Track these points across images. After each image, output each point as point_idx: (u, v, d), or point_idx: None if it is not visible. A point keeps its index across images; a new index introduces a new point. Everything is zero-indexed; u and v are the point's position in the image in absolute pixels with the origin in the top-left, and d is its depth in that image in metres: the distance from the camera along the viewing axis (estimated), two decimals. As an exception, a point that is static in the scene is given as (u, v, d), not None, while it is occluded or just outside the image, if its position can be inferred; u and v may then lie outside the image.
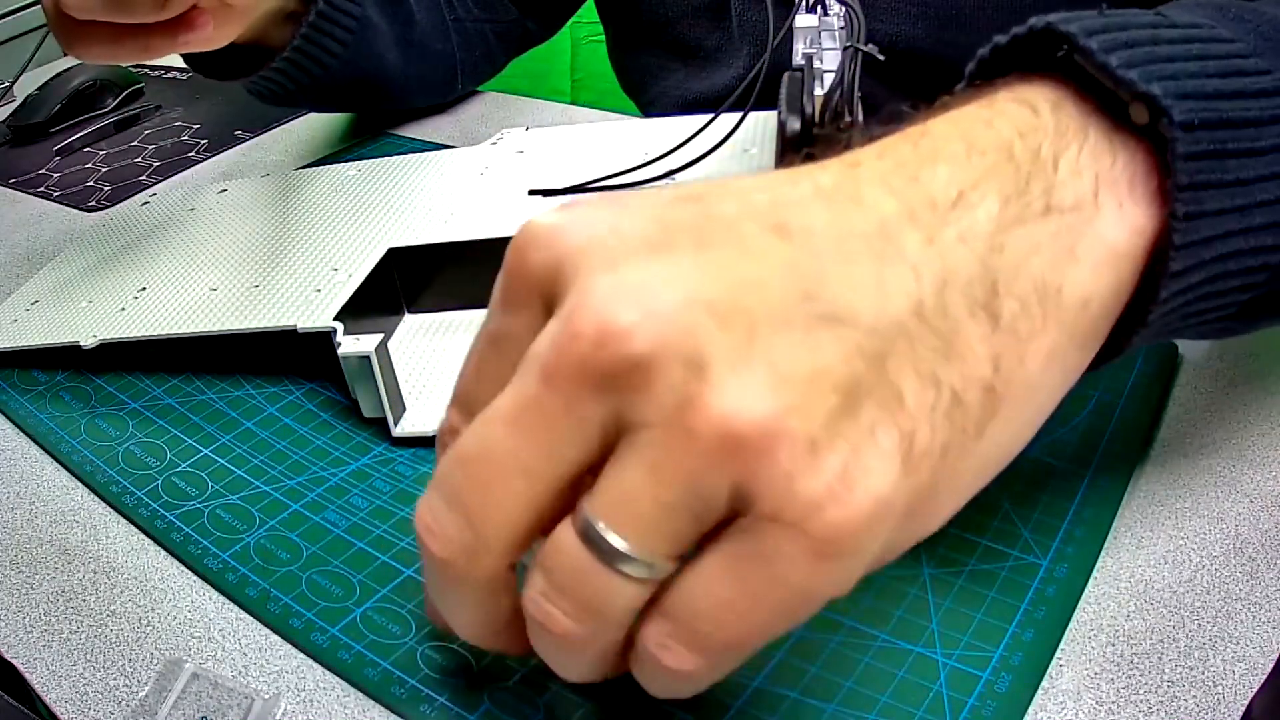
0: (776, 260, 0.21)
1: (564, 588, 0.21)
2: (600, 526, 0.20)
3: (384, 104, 0.68)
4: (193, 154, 0.70)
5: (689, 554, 0.21)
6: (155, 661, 0.31)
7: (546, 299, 0.22)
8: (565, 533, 0.21)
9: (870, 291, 0.21)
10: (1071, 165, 0.24)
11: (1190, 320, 0.27)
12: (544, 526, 0.22)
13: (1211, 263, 0.25)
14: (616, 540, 0.20)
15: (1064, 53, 0.26)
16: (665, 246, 0.21)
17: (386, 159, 0.56)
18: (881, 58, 0.34)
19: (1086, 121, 0.25)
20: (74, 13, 0.43)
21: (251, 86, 0.59)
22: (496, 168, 0.52)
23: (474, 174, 0.51)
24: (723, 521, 0.21)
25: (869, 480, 0.20)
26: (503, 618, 0.24)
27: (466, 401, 0.25)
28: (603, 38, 0.77)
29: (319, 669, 0.30)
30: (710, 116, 0.45)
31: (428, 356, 0.43)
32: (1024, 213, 0.23)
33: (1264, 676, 0.27)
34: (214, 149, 0.71)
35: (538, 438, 0.21)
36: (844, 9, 0.38)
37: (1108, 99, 0.25)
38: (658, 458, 0.20)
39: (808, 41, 0.39)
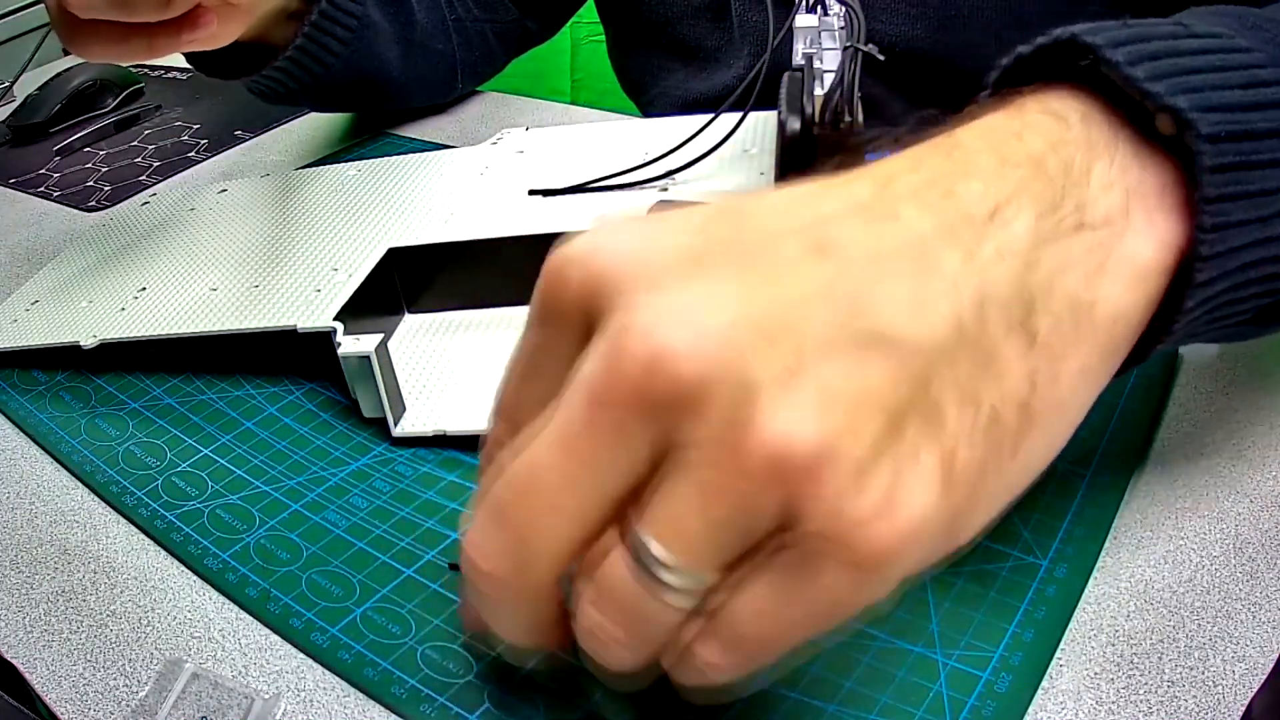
0: (819, 279, 0.21)
1: (613, 600, 0.22)
2: (651, 544, 0.21)
3: (384, 103, 0.68)
4: (193, 154, 0.70)
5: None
6: (155, 661, 0.31)
7: (587, 317, 0.22)
8: (615, 548, 0.22)
9: (912, 310, 0.21)
10: (1103, 179, 0.24)
11: (1211, 326, 0.27)
12: (591, 540, 0.22)
13: (1235, 272, 0.25)
14: (666, 556, 0.21)
15: (1088, 63, 0.25)
16: (706, 264, 0.21)
17: (386, 159, 0.56)
18: (881, 58, 0.34)
19: (1116, 134, 0.25)
20: (77, 11, 0.43)
21: (253, 85, 0.59)
22: (496, 168, 0.52)
23: (474, 174, 0.51)
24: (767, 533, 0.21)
25: (912, 500, 0.20)
26: (547, 621, 0.25)
27: (511, 415, 0.25)
28: (603, 38, 0.77)
29: (319, 669, 0.30)
30: (710, 116, 0.45)
31: (428, 356, 0.43)
32: (1058, 228, 0.23)
33: (1264, 676, 0.27)
34: (214, 149, 0.71)
35: (587, 461, 0.21)
36: (844, 9, 0.38)
37: (1133, 110, 0.25)
38: (708, 478, 0.20)
39: (808, 41, 0.39)
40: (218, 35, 0.48)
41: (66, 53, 1.02)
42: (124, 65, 0.84)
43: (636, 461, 0.21)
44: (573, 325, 0.23)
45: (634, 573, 0.21)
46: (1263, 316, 0.28)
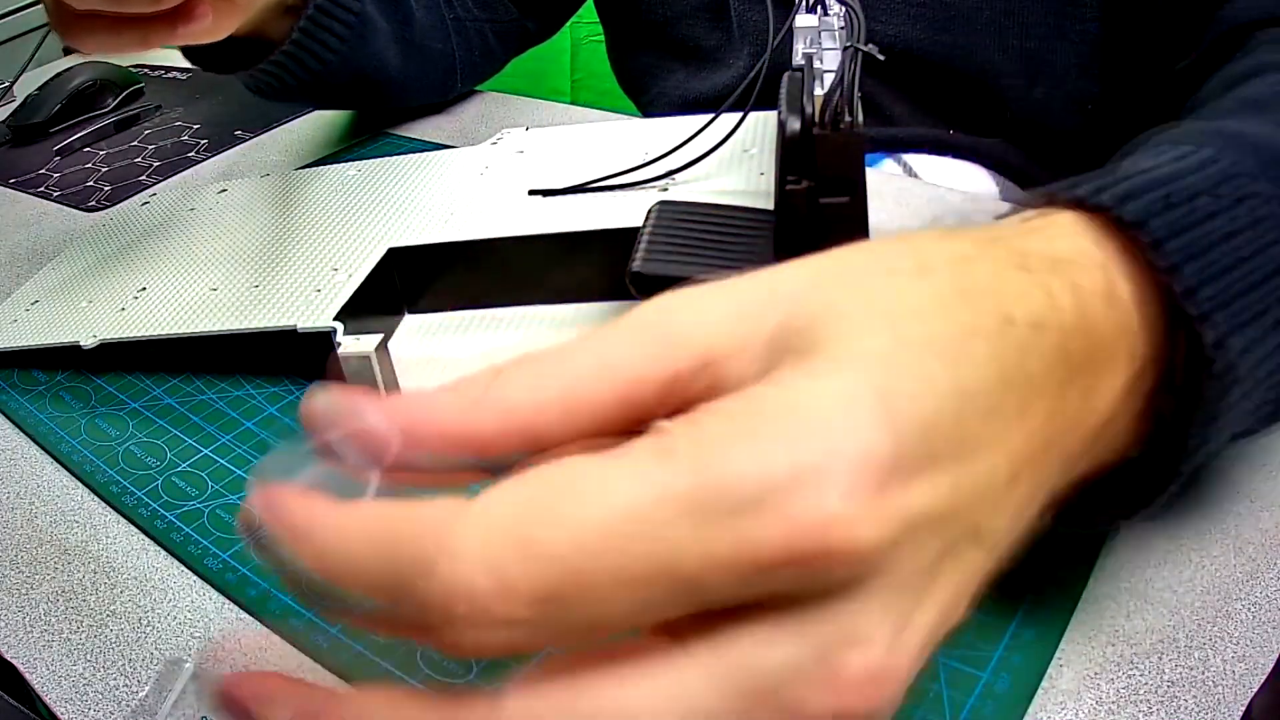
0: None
1: None
2: None
3: (383, 102, 0.68)
4: (193, 154, 0.70)
5: None
6: (155, 661, 0.31)
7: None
8: None
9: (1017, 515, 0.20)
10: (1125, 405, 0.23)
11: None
12: None
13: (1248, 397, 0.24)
14: None
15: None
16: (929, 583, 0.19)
17: (386, 159, 0.56)
18: (882, 58, 0.34)
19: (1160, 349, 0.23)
20: (72, 3, 0.43)
21: (250, 81, 0.59)
22: (496, 168, 0.52)
23: (474, 174, 0.51)
24: None
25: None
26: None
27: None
28: (603, 38, 0.77)
29: (319, 669, 0.30)
30: (710, 116, 0.45)
31: (428, 356, 0.43)
32: (1081, 419, 0.22)
33: (1264, 676, 0.27)
34: (214, 149, 0.71)
35: None
36: (844, 9, 0.38)
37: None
38: None
39: (808, 41, 0.39)
40: (213, 29, 0.48)
41: (67, 52, 1.02)
42: (123, 65, 0.84)
43: None
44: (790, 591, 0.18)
45: None
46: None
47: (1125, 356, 0.22)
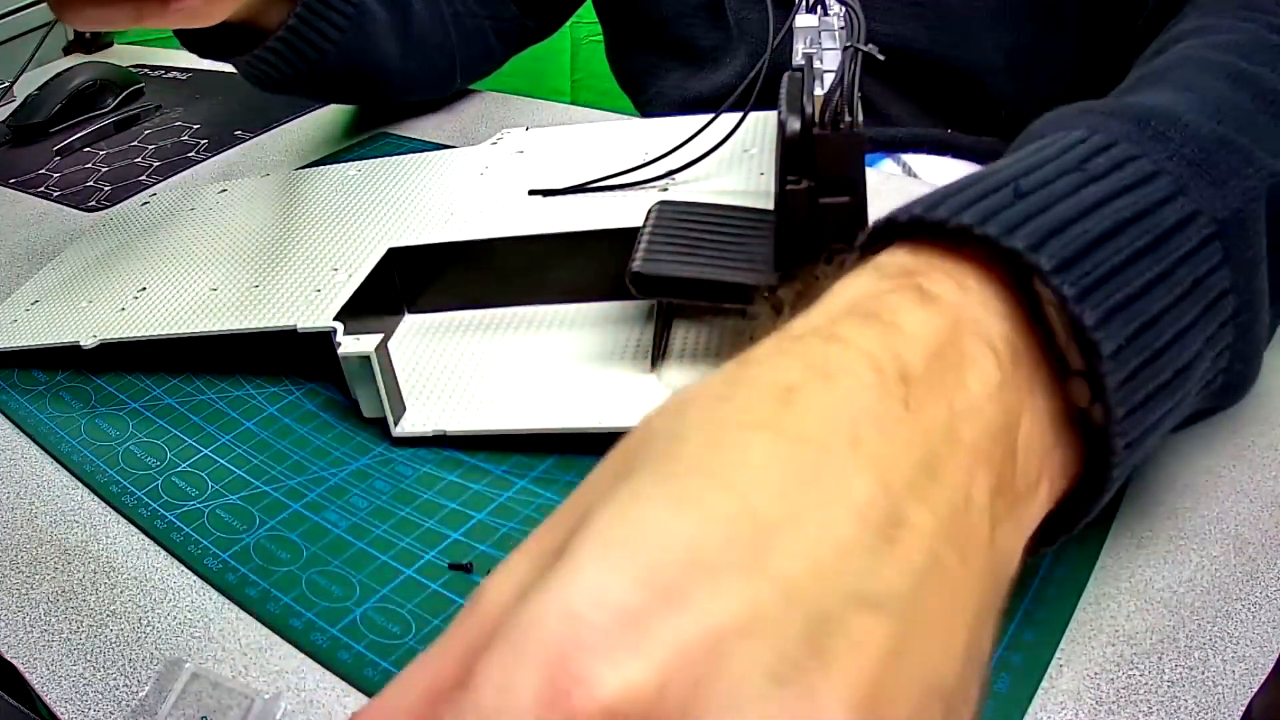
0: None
1: None
2: None
3: (381, 96, 0.68)
4: (193, 154, 0.70)
5: None
6: (155, 661, 0.31)
7: None
8: None
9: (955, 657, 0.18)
10: (1029, 457, 0.21)
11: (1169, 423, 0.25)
12: None
13: (1151, 431, 0.24)
14: None
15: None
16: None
17: (386, 159, 0.56)
18: (882, 58, 0.34)
19: (1034, 379, 0.22)
20: None
21: (248, 69, 0.59)
22: (496, 168, 0.52)
23: (474, 174, 0.51)
24: None
25: None
26: None
27: None
28: (602, 37, 0.77)
29: (319, 669, 0.30)
30: (711, 116, 0.45)
31: (428, 356, 0.43)
32: (1008, 511, 0.21)
33: (1264, 676, 0.27)
34: (214, 149, 0.71)
35: None
36: (844, 9, 0.38)
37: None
38: None
39: (808, 41, 0.39)
40: (207, 11, 0.47)
41: (67, 52, 1.02)
42: (123, 65, 0.84)
43: None
44: None
45: None
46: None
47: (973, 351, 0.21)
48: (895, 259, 0.23)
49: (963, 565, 0.18)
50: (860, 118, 0.33)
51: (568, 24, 0.80)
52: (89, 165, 0.71)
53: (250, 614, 0.32)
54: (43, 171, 0.71)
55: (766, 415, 0.19)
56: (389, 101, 0.70)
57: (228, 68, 0.60)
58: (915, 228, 0.23)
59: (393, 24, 0.63)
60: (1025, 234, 0.22)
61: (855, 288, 0.22)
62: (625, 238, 0.39)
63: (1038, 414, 0.22)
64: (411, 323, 0.45)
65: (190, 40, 0.57)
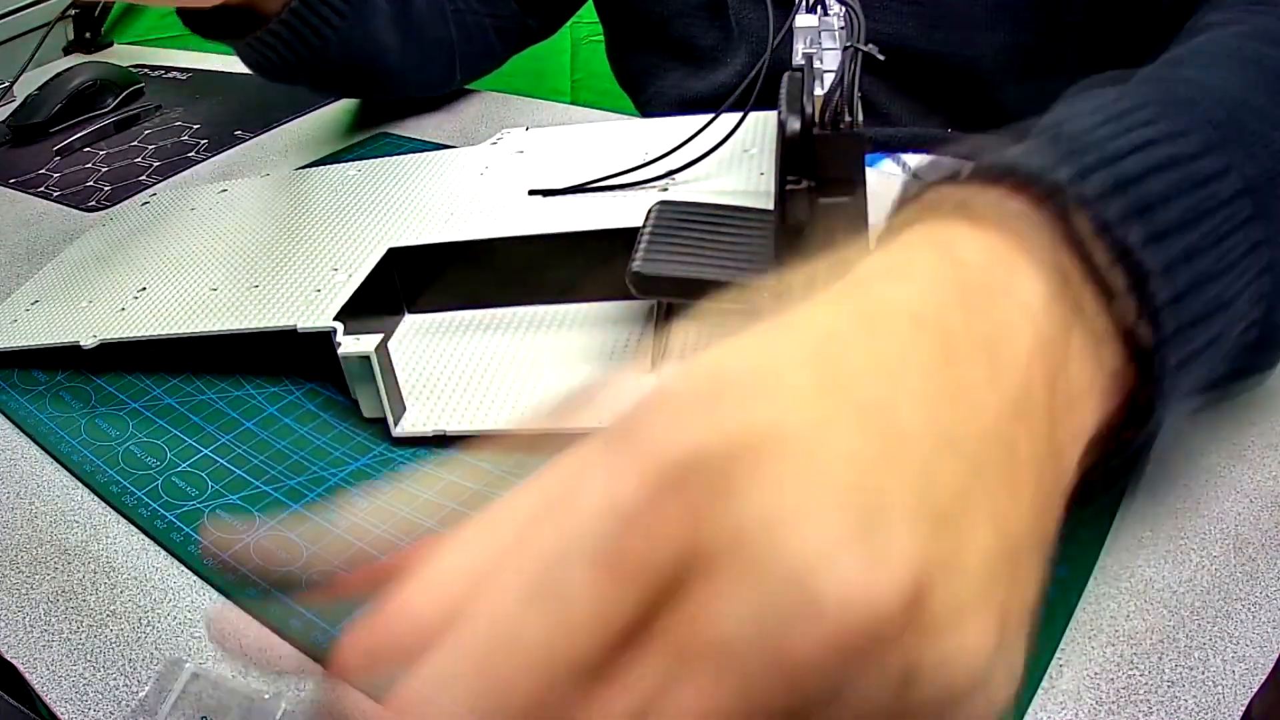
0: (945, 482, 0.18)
1: None
2: None
3: (381, 88, 0.68)
4: (193, 154, 0.70)
5: None
6: (155, 661, 0.31)
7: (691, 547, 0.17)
8: None
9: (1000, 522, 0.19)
10: (1078, 367, 0.22)
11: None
12: None
13: (1197, 360, 0.24)
14: None
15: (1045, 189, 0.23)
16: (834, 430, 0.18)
17: (386, 159, 0.56)
18: (882, 57, 0.34)
19: (1081, 297, 0.22)
20: None
21: (248, 54, 0.59)
22: (496, 168, 0.52)
23: (474, 174, 0.51)
24: None
25: (998, 681, 0.18)
26: None
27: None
28: (602, 37, 0.77)
29: (319, 669, 0.30)
30: (711, 117, 0.45)
31: (428, 356, 0.43)
32: (1057, 410, 0.21)
33: (1264, 676, 0.27)
34: (214, 149, 0.71)
35: None
36: (844, 9, 0.38)
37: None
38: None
39: (808, 41, 0.39)
40: None
41: (67, 52, 1.02)
42: (123, 65, 0.84)
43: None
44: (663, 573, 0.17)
45: None
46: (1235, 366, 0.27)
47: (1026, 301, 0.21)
48: (942, 194, 0.24)
49: (1028, 441, 0.19)
50: (860, 118, 0.33)
51: (568, 24, 0.80)
52: (89, 165, 0.71)
53: (250, 614, 0.32)
54: (43, 171, 0.71)
55: (835, 294, 0.20)
56: (389, 94, 0.70)
57: (228, 67, 0.60)
58: (953, 179, 0.24)
59: (393, 15, 0.63)
60: (1068, 169, 0.23)
61: (904, 218, 0.23)
62: (625, 238, 0.39)
63: (1084, 332, 0.22)
64: (411, 323, 0.45)
65: (191, 20, 0.57)
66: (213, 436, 0.41)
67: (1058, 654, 0.28)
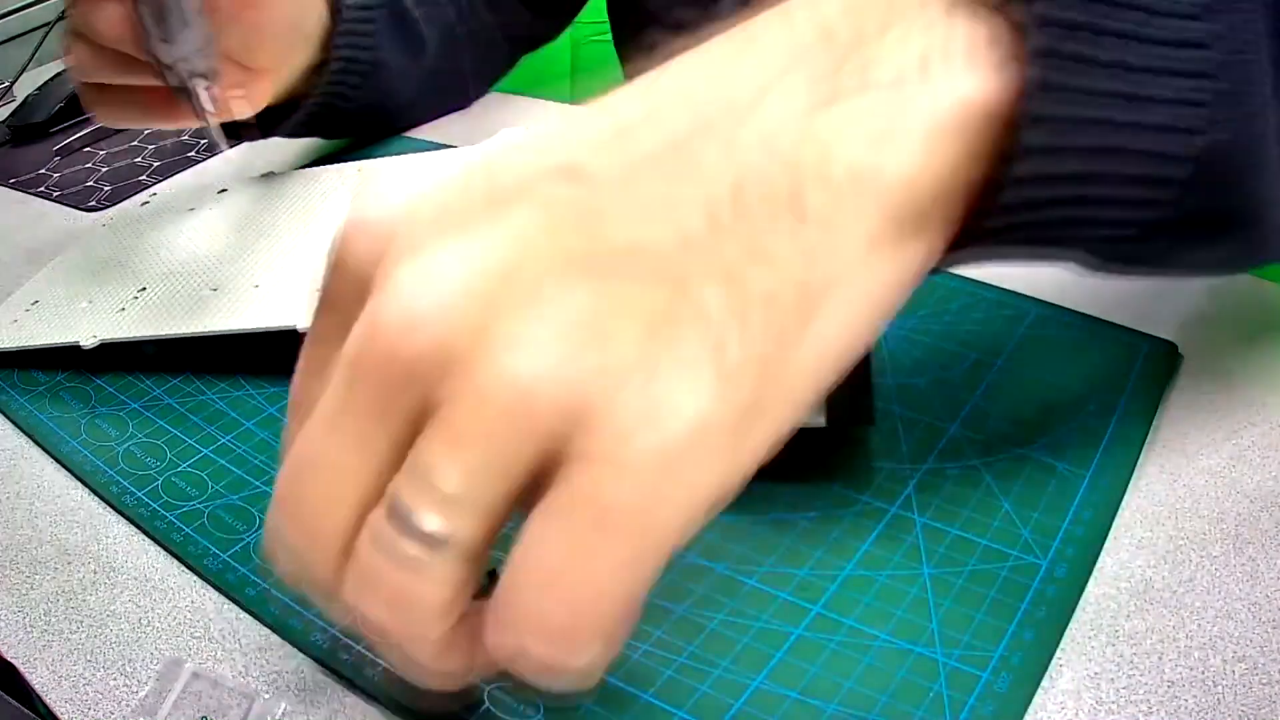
0: (565, 207, 0.21)
1: (372, 577, 0.21)
2: (402, 501, 0.20)
3: (395, 128, 0.68)
4: (193, 154, 0.70)
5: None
6: (155, 661, 0.31)
7: (362, 297, 0.22)
8: (374, 518, 0.21)
9: (660, 215, 0.20)
10: (898, 39, 0.22)
11: (1074, 229, 0.24)
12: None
13: (1087, 154, 0.22)
14: (422, 515, 0.20)
15: None
16: (463, 219, 0.21)
17: (388, 159, 0.56)
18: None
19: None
20: (81, 75, 0.45)
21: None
22: (496, 168, 0.52)
23: (474, 174, 0.51)
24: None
25: (679, 400, 0.19)
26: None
27: (296, 407, 0.25)
28: (603, 38, 0.77)
29: (319, 669, 0.30)
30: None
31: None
32: (835, 94, 0.21)
33: (1264, 677, 0.27)
34: (214, 149, 0.70)
35: (353, 439, 0.21)
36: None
37: None
38: (457, 427, 0.20)
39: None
40: (247, 103, 0.49)
41: (67, 52, 1.02)
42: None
43: (400, 428, 0.20)
44: (352, 303, 0.22)
45: (389, 537, 0.20)
46: (1150, 233, 0.25)
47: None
48: None
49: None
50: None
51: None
52: (89, 165, 0.71)
53: (250, 614, 0.32)
54: (43, 171, 0.71)
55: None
56: (403, 130, 0.70)
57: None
58: None
59: (405, 64, 0.63)
60: None
61: None
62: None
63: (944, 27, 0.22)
64: (411, 323, 0.45)
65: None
66: (213, 436, 0.41)
67: (1058, 654, 0.28)
